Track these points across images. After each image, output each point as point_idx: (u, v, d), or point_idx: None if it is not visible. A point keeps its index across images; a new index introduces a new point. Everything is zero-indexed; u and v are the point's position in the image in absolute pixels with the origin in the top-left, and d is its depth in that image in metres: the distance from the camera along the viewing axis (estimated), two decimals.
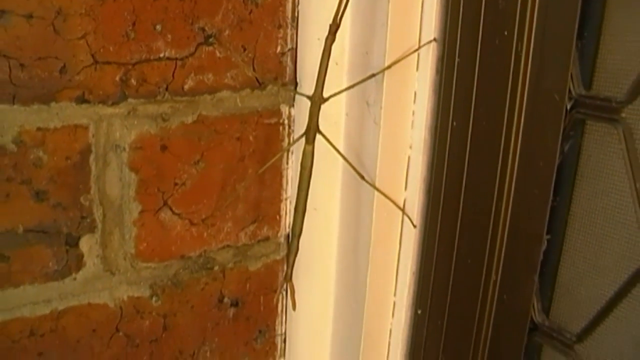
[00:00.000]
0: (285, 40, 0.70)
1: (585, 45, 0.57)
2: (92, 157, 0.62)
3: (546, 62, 0.57)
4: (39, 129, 0.59)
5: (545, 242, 0.61)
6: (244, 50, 0.68)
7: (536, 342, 0.65)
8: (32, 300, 0.63)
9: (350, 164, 0.66)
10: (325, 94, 0.64)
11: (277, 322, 0.80)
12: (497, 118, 0.61)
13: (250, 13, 0.67)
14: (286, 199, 0.75)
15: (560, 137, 0.58)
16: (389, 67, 0.65)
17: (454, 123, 0.66)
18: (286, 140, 0.73)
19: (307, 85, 0.71)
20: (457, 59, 0.64)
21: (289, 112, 0.73)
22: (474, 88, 0.63)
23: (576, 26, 0.55)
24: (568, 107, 0.58)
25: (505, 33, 0.59)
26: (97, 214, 0.64)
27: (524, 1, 0.58)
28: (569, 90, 0.57)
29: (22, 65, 0.57)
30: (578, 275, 0.63)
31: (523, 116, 0.59)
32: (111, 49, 0.61)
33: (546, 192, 0.59)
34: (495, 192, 0.63)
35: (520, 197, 0.61)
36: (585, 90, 0.57)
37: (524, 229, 0.62)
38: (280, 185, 0.74)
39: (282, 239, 0.77)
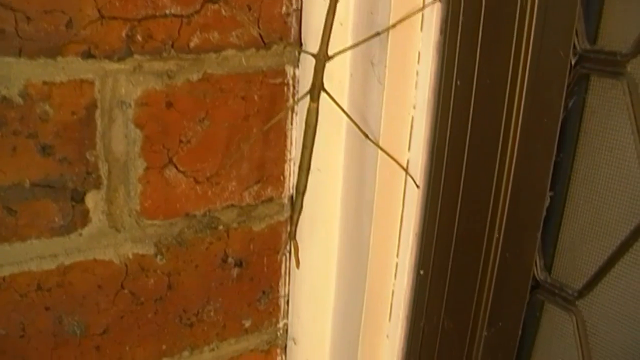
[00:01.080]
0: (290, 1, 0.69)
1: None
2: (97, 112, 0.62)
3: (551, 18, 0.56)
4: (45, 82, 0.59)
5: (549, 198, 0.60)
6: (249, 9, 0.67)
7: (538, 299, 0.64)
8: (39, 255, 0.62)
9: (354, 122, 0.65)
10: (330, 53, 0.63)
11: (280, 284, 0.79)
12: (501, 76, 0.60)
13: None
14: (290, 160, 0.74)
15: (565, 93, 0.57)
16: (393, 25, 0.64)
17: (458, 82, 0.65)
18: (291, 100, 0.72)
19: (312, 46, 0.70)
20: (461, 18, 0.63)
21: (294, 73, 0.72)
22: (477, 47, 0.62)
23: None
24: (572, 63, 0.57)
25: None
26: (103, 170, 0.63)
27: None
28: (574, 46, 0.56)
29: (28, 18, 0.56)
30: (580, 232, 0.62)
31: (527, 73, 0.58)
32: (117, 4, 0.60)
33: (550, 148, 0.59)
34: (499, 150, 0.62)
35: (524, 154, 0.60)
36: (590, 45, 0.57)
37: (527, 186, 0.61)
38: (285, 145, 0.74)
39: (285, 200, 0.76)
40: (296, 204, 0.67)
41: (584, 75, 0.58)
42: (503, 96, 0.60)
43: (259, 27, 0.68)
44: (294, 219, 0.67)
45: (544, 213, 0.60)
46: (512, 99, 0.60)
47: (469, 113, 0.64)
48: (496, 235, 0.63)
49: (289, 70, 0.71)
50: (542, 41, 0.57)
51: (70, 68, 0.59)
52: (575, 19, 0.55)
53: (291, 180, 0.75)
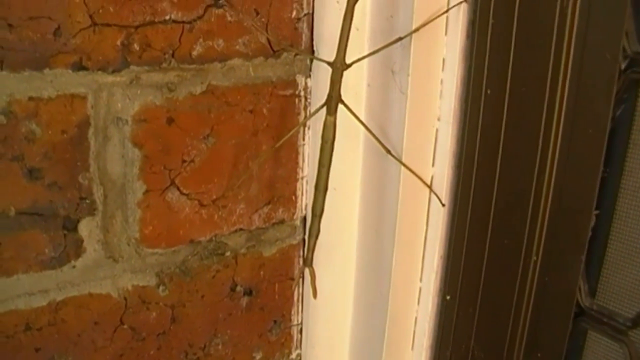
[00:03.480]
0: (301, 4, 0.62)
1: None
2: (91, 130, 0.54)
3: (596, 16, 0.49)
4: (31, 98, 0.51)
5: (594, 218, 0.53)
6: (257, 14, 0.59)
7: (582, 327, 0.56)
8: (27, 291, 0.54)
9: (375, 136, 0.57)
10: (348, 60, 0.56)
11: (293, 312, 0.71)
12: (538, 82, 0.53)
13: None
14: (302, 178, 0.66)
15: (613, 101, 0.50)
16: (416, 30, 0.57)
17: (488, 91, 0.57)
18: (302, 113, 0.64)
19: (325, 53, 0.62)
20: (491, 20, 0.56)
21: (306, 83, 0.64)
22: (511, 51, 0.55)
23: None
24: (622, 67, 0.49)
25: None
26: (98, 194, 0.55)
27: None
28: (623, 48, 0.49)
29: (10, 25, 0.48)
30: (630, 254, 0.54)
31: (569, 79, 0.51)
32: (111, 9, 0.52)
33: (596, 162, 0.51)
34: (537, 165, 0.54)
35: (566, 169, 0.53)
36: None
37: (570, 204, 0.53)
38: (297, 163, 0.66)
39: (298, 222, 0.68)
40: (312, 228, 0.59)
41: (635, 80, 0.50)
42: (541, 105, 0.53)
43: (267, 34, 0.60)
44: (310, 245, 0.59)
45: (589, 234, 0.53)
46: (552, 108, 0.52)
47: (501, 124, 0.57)
48: (534, 258, 0.56)
49: (301, 80, 0.64)
50: (586, 42, 0.50)
51: (59, 81, 0.52)
52: (624, 17, 0.48)
53: (304, 200, 0.67)
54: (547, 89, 0.52)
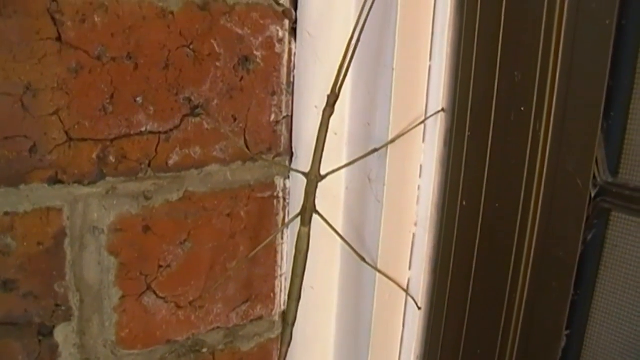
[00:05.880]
0: (280, 108, 0.61)
1: (612, 125, 0.48)
2: (67, 241, 0.54)
3: (568, 143, 0.49)
4: (6, 213, 0.51)
5: (565, 338, 0.52)
6: (235, 120, 0.59)
7: None
8: None
9: (349, 245, 0.57)
10: (323, 170, 0.55)
11: None
12: (511, 200, 0.53)
13: (241, 80, 0.58)
14: (281, 276, 0.66)
15: (583, 226, 0.49)
16: (392, 141, 0.57)
17: (464, 202, 0.57)
18: (281, 214, 0.64)
19: (304, 155, 0.62)
20: (467, 132, 0.56)
21: (284, 185, 0.64)
22: (486, 165, 0.55)
23: (602, 104, 0.47)
24: (592, 195, 0.49)
25: (522, 109, 0.51)
26: (74, 301, 0.55)
27: (543, 75, 0.49)
28: (594, 176, 0.48)
29: None
30: None
31: (541, 201, 0.51)
32: (87, 124, 0.52)
33: (566, 284, 0.51)
34: (509, 282, 0.54)
35: (538, 289, 0.52)
36: (612, 176, 0.49)
37: (541, 323, 0.53)
38: (275, 261, 0.65)
39: (276, 317, 0.67)
40: (285, 335, 0.58)
41: (605, 209, 0.50)
42: (514, 222, 0.53)
43: (245, 139, 0.60)
44: (282, 352, 0.58)
45: (560, 354, 0.52)
46: (524, 227, 0.52)
47: (476, 236, 0.56)
48: None
49: (279, 182, 0.63)
50: (558, 167, 0.50)
51: (35, 196, 0.52)
52: (595, 145, 0.48)
53: (282, 296, 0.67)
54: (520, 210, 0.52)
